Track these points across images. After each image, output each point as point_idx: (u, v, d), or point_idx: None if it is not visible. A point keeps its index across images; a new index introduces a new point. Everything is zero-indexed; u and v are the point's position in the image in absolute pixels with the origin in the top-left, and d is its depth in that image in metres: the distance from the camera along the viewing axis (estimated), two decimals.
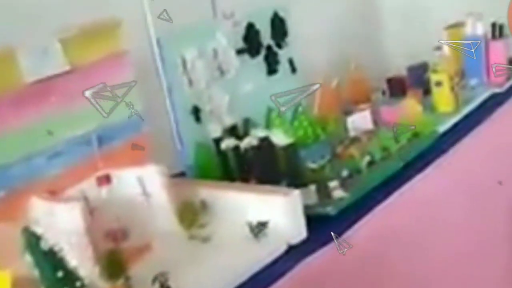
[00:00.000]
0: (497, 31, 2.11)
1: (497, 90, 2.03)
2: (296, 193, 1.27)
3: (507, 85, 2.06)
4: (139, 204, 1.30)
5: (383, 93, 2.26)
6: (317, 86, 1.92)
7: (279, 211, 1.26)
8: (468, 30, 2.14)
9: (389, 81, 2.22)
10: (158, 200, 1.30)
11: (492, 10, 2.07)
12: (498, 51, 2.10)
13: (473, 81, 2.12)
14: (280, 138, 1.43)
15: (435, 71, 1.86)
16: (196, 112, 1.60)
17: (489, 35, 2.13)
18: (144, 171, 1.30)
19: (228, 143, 1.54)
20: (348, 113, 2.00)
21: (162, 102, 1.56)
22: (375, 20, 2.62)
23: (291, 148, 1.44)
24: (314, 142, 1.81)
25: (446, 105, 1.86)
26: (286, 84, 1.84)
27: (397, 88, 2.18)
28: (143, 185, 1.30)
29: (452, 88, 1.84)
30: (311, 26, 2.15)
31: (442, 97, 1.85)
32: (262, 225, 1.25)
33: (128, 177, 1.30)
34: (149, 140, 1.39)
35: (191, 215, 1.31)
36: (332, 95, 2.03)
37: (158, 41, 1.52)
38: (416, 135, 1.65)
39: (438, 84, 1.84)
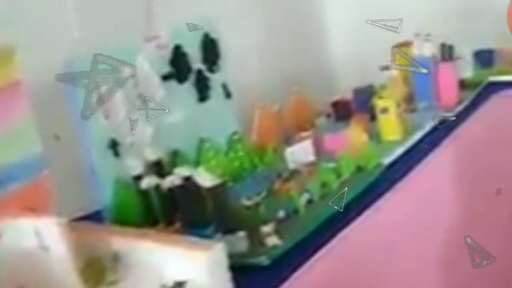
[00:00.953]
0: (447, 52, 2.00)
1: (448, 114, 1.90)
2: (220, 246, 1.10)
3: (457, 109, 1.93)
4: (36, 259, 1.11)
5: (328, 116, 2.12)
6: None
7: (200, 268, 1.08)
8: (415, 50, 2.02)
9: (334, 104, 2.09)
10: (58, 254, 1.10)
11: (441, 31, 1.95)
12: (448, 73, 1.98)
13: (422, 104, 2.00)
14: (205, 179, 1.26)
15: (380, 97, 1.72)
16: (114, 146, 1.41)
17: (438, 56, 2.02)
18: (42, 221, 1.10)
19: (149, 181, 1.36)
20: (289, 140, 1.85)
21: (74, 135, 1.38)
22: (319, 38, 2.48)
23: (218, 189, 1.27)
24: (250, 175, 1.65)
25: (393, 133, 1.72)
26: (220, 111, 1.67)
27: (342, 112, 2.05)
28: (40, 238, 1.11)
29: (399, 116, 1.71)
30: (247, 46, 1.99)
31: (389, 125, 1.71)
32: (179, 286, 1.07)
33: (22, 229, 1.11)
34: (51, 182, 1.20)
35: (97, 272, 1.13)
36: (272, 121, 1.88)
37: (67, 66, 1.33)
38: (360, 169, 1.51)
39: (384, 111, 1.71)
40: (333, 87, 2.30)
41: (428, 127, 1.81)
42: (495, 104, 2.00)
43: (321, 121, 2.08)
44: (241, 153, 1.69)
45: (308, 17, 2.44)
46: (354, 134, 1.67)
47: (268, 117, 1.87)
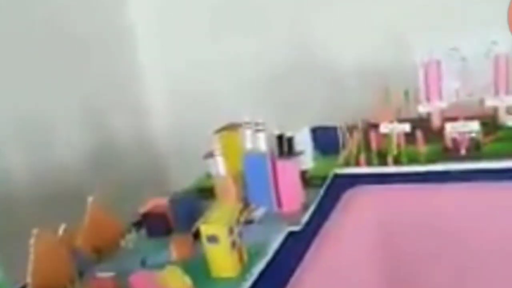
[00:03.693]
0: (285, 146, 1.59)
1: (293, 228, 1.47)
2: None
3: (304, 219, 1.51)
4: None
5: (137, 229, 1.61)
6: None
7: None
8: (248, 144, 1.60)
9: (145, 217, 1.58)
10: None
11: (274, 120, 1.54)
12: (288, 171, 1.56)
13: (259, 212, 1.56)
14: None
15: (207, 223, 1.23)
16: None
17: (276, 151, 1.60)
18: None
19: None
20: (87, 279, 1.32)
21: None
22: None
23: None
24: None
25: (226, 269, 1.23)
26: None
27: (158, 227, 1.56)
28: None
29: (234, 244, 1.23)
30: None
31: (219, 259, 1.22)
32: None
33: None
34: None
35: None
36: (59, 252, 1.32)
37: None
38: None
39: (212, 239, 1.22)
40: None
41: (270, 250, 1.36)
42: (348, 205, 1.61)
43: (131, 239, 1.55)
44: None
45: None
46: (173, 278, 1.16)
47: (50, 247, 1.31)
